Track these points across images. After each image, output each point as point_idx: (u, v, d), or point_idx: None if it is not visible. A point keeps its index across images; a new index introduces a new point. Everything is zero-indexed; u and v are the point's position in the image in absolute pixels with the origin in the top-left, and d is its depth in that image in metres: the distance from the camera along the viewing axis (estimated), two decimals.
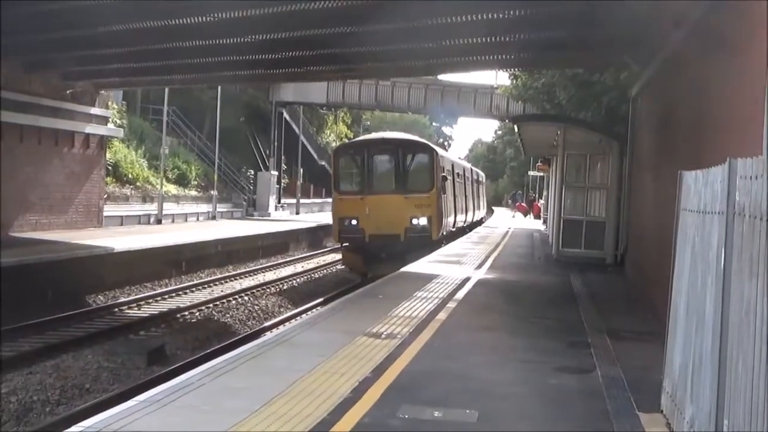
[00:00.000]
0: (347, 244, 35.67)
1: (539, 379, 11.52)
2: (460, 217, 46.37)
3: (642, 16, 18.75)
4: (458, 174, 46.97)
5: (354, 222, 34.42)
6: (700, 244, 7.93)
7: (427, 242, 34.25)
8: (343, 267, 39.08)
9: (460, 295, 19.95)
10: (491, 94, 66.42)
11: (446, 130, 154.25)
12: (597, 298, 20.90)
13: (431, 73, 55.05)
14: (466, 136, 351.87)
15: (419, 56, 30.25)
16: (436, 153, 36.64)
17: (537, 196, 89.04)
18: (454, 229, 43.12)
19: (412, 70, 41.15)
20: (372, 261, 34.57)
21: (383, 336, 14.06)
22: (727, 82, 12.56)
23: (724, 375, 6.67)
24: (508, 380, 11.33)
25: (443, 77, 65.22)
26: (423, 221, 34.53)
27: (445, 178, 38.13)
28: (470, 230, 51.56)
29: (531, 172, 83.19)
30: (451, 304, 18.23)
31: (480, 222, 64.64)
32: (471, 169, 60.89)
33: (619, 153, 29.65)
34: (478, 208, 63.77)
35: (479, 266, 27.35)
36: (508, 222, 68.10)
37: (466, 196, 50.87)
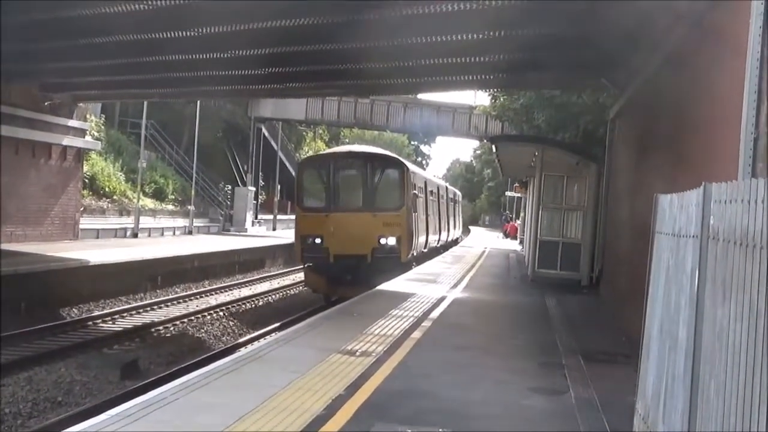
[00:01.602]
0: (310, 264, 32.64)
1: (512, 399, 11.54)
2: (433, 237, 43.79)
3: (619, 40, 18.88)
4: (431, 191, 44.15)
5: (318, 240, 31.58)
6: (674, 267, 7.97)
7: (395, 264, 31.72)
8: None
9: (436, 314, 19.96)
10: (470, 113, 66.72)
11: (425, 148, 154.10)
12: (571, 319, 20.96)
13: (410, 92, 55.24)
14: (445, 155, 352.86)
15: (398, 75, 30.41)
16: (407, 168, 33.74)
17: (513, 216, 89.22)
18: (425, 250, 40.44)
19: (391, 89, 41.26)
20: (336, 283, 31.69)
21: (358, 353, 14.06)
22: (701, 106, 12.66)
23: (696, 397, 6.70)
24: (481, 400, 11.35)
25: (422, 96, 65.43)
26: (392, 241, 31.71)
27: (416, 196, 35.65)
28: (444, 251, 49.67)
29: (508, 193, 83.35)
30: (426, 323, 18.25)
31: (455, 242, 63.16)
32: (446, 188, 58.09)
33: (596, 175, 29.80)
34: (454, 228, 61.06)
35: (455, 286, 27.39)
36: (484, 242, 68.14)
37: (439, 215, 48.26)
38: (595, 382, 12.88)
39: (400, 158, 36.06)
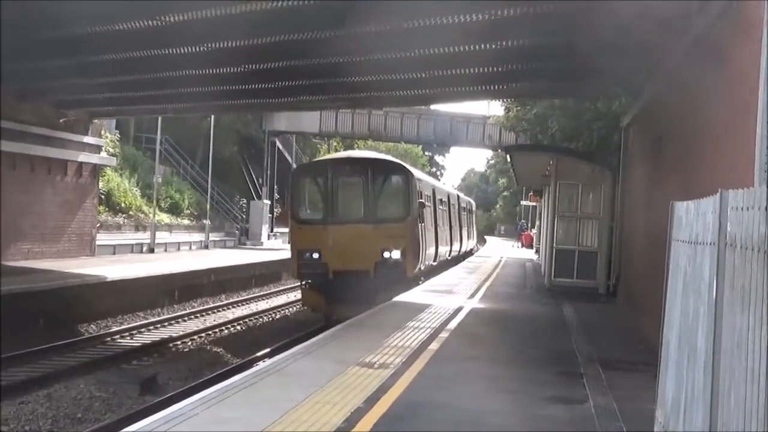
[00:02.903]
0: (307, 281, 30.46)
1: (531, 409, 11.52)
2: (443, 249, 41.12)
3: (632, 47, 18.86)
4: (441, 200, 41.68)
5: (315, 255, 29.37)
6: (692, 274, 7.95)
7: (400, 279, 29.46)
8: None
9: (453, 325, 19.93)
10: (484, 123, 66.75)
11: (439, 159, 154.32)
12: (589, 327, 20.89)
13: (423, 103, 55.21)
14: (459, 165, 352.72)
15: (411, 86, 30.40)
16: (412, 175, 31.22)
17: (529, 225, 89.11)
18: (435, 263, 37.83)
19: (404, 100, 41.21)
20: (336, 301, 29.33)
21: (376, 366, 14.04)
22: (717, 112, 12.63)
23: (716, 407, 6.67)
24: (500, 410, 11.32)
25: (436, 107, 65.44)
26: (396, 255, 29.44)
27: (423, 205, 32.90)
28: (457, 263, 47.00)
29: (523, 202, 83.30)
30: (444, 334, 18.22)
31: (469, 253, 60.75)
32: (458, 196, 55.65)
33: (611, 183, 29.74)
34: (467, 239, 58.12)
35: (471, 296, 27.35)
36: (500, 251, 67.99)
37: (451, 226, 45.72)
38: (614, 390, 12.84)
39: (404, 164, 34.18)
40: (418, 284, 31.40)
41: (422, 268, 32.78)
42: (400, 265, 29.66)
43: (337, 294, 29.25)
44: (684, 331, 8.13)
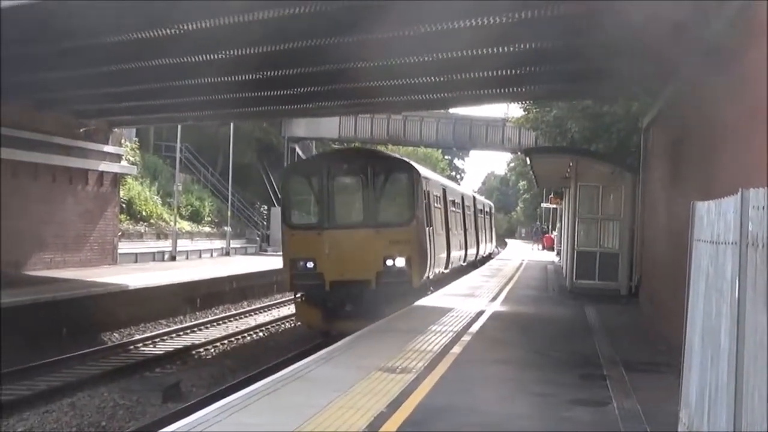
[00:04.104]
0: (302, 294, 27.72)
1: (554, 412, 11.49)
2: (457, 255, 38.10)
3: (650, 49, 18.81)
4: (453, 201, 38.47)
5: (310, 265, 26.64)
6: (713, 274, 7.91)
7: (406, 290, 26.65)
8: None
9: (475, 328, 19.92)
10: (503, 126, 66.68)
11: (459, 162, 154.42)
12: (612, 329, 20.86)
13: (443, 107, 55.19)
14: (479, 168, 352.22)
15: (430, 90, 30.33)
16: (417, 173, 28.35)
17: (549, 227, 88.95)
18: (447, 271, 34.80)
19: (423, 104, 41.16)
20: (334, 316, 26.73)
21: (398, 370, 14.04)
22: (737, 111, 12.58)
23: (740, 406, 6.64)
24: (523, 414, 11.31)
25: (454, 110, 65.43)
26: (400, 262, 26.56)
27: (431, 206, 30.30)
28: (473, 269, 43.86)
29: (544, 204, 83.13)
30: (466, 338, 18.21)
31: (488, 258, 57.83)
32: (473, 197, 51.97)
33: (631, 184, 29.65)
34: (484, 242, 54.98)
35: (493, 299, 27.31)
36: (521, 254, 67.83)
37: (465, 229, 42.34)
38: (637, 392, 12.81)
39: (409, 161, 31.17)
40: (427, 294, 28.66)
41: (431, 276, 30.05)
42: (405, 273, 26.82)
43: (335, 308, 26.70)
44: (707, 332, 8.10)
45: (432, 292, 29.66)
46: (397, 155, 34.40)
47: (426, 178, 30.43)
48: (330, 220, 27.04)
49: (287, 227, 28.00)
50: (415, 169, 28.68)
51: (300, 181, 28.49)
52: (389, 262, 26.59)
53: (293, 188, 28.84)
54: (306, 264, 26.72)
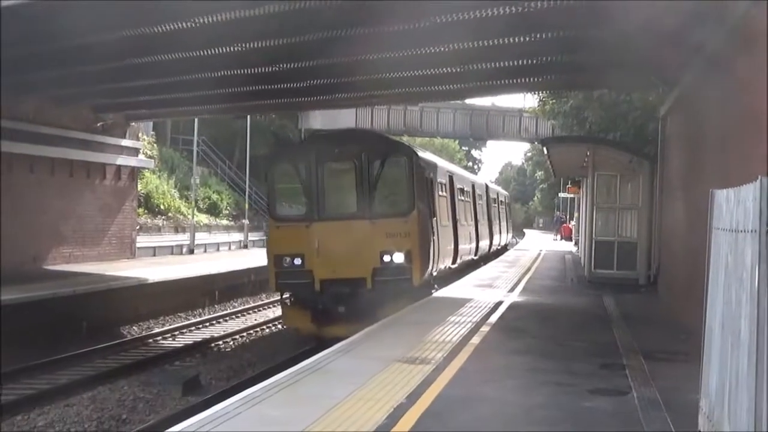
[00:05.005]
0: (289, 294, 25.58)
1: (574, 401, 11.47)
2: (466, 248, 35.21)
3: (668, 37, 18.73)
4: (462, 190, 35.69)
5: (297, 261, 24.00)
6: (733, 263, 7.89)
7: (406, 289, 24.07)
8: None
9: (493, 318, 19.89)
10: (519, 116, 66.59)
11: (476, 153, 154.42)
12: (630, 319, 20.81)
13: (459, 98, 55.09)
14: (496, 159, 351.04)
15: (446, 81, 30.26)
16: (417, 156, 25.61)
17: (567, 217, 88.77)
18: (455, 266, 31.91)
19: (439, 95, 41.07)
20: (325, 319, 24.01)
21: (417, 361, 14.03)
22: (757, 99, 12.52)
23: (761, 393, 6.63)
24: (543, 404, 11.29)
25: (471, 101, 65.37)
26: (399, 258, 23.91)
27: (434, 194, 27.70)
28: (486, 263, 41.30)
29: (561, 194, 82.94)
30: (485, 328, 18.18)
31: (503, 250, 55.12)
32: (486, 186, 48.56)
33: (649, 173, 29.55)
34: (499, 234, 51.42)
35: (512, 289, 27.27)
36: (539, 244, 67.65)
37: (477, 220, 39.40)
38: (657, 381, 12.78)
39: (408, 144, 28.74)
40: (431, 293, 26.29)
41: (434, 273, 27.21)
42: (404, 270, 24.08)
43: (326, 310, 24.04)
44: (727, 320, 8.07)
45: (437, 289, 27.27)
46: (392, 137, 31.45)
47: (429, 163, 28.27)
48: (320, 211, 24.34)
49: (272, 219, 25.48)
50: (415, 152, 25.90)
51: (286, 168, 25.43)
52: (386, 258, 23.94)
53: (279, 176, 25.70)
54: (293, 261, 24.07)
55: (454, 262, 31.44)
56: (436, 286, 27.68)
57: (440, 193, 29.25)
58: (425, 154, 29.06)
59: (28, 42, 22.35)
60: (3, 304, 22.84)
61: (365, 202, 24.25)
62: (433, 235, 26.51)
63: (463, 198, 35.56)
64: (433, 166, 29.01)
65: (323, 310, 23.92)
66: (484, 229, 42.43)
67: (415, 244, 24.20)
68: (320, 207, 24.28)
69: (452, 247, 31.01)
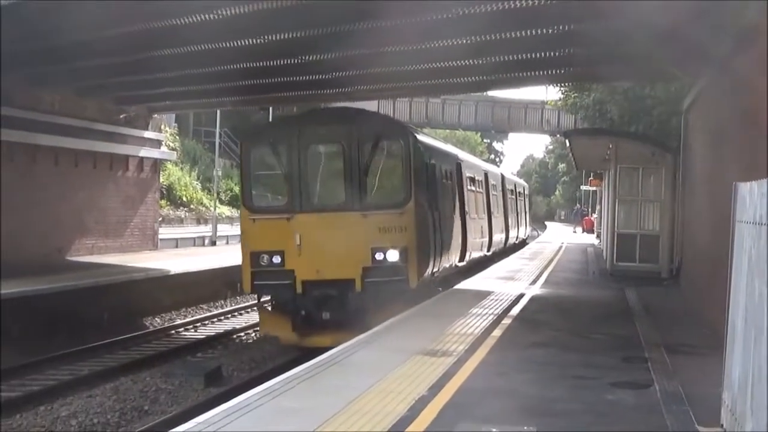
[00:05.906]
0: (266, 297, 23.30)
1: (596, 394, 11.46)
2: (476, 243, 32.34)
3: (690, 30, 18.64)
4: (473, 179, 32.71)
5: (276, 259, 21.18)
6: (756, 255, 7.85)
7: (401, 291, 21.27)
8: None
9: (515, 311, 19.88)
10: (541, 108, 66.39)
11: (497, 146, 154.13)
12: (653, 312, 20.76)
13: (482, 90, 55.02)
14: (518, 152, 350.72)
15: (468, 73, 30.16)
16: (415, 139, 22.56)
17: (589, 210, 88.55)
18: (462, 264, 29.31)
19: (461, 87, 40.97)
20: (308, 326, 21.43)
21: (439, 354, 14.03)
22: None
23: None
24: (564, 396, 11.28)
25: (493, 93, 65.23)
26: (393, 256, 21.05)
27: (436, 182, 24.82)
28: (500, 259, 38.02)
29: (583, 187, 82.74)
30: (506, 321, 18.18)
31: (521, 245, 52.28)
32: (501, 176, 44.93)
33: (672, 165, 29.45)
34: (516, 228, 48.66)
35: (533, 282, 27.23)
36: (561, 237, 67.46)
37: (490, 213, 36.42)
38: (679, 374, 12.75)
39: (404, 124, 26.09)
40: (433, 295, 23.33)
41: (435, 273, 24.48)
42: (399, 270, 21.26)
43: (309, 315, 21.43)
44: (750, 313, 8.04)
45: (440, 291, 24.62)
46: (387, 116, 27.36)
47: (431, 147, 25.57)
48: (302, 202, 21.52)
49: (247, 210, 22.19)
50: (412, 134, 22.91)
51: (263, 151, 22.43)
52: (379, 256, 21.15)
53: (255, 160, 22.62)
54: (271, 258, 21.26)
55: (461, 259, 29.14)
56: (439, 288, 25.24)
57: (445, 181, 26.75)
58: (426, 137, 26.57)
59: (48, 34, 22.45)
60: (29, 295, 23.05)
61: (355, 191, 21.43)
62: (435, 231, 23.97)
63: (473, 188, 32.86)
64: (437, 151, 26.60)
65: (306, 316, 21.41)
66: (498, 222, 39.64)
67: (412, 240, 21.52)
68: (303, 197, 21.57)
69: (460, 243, 28.60)
